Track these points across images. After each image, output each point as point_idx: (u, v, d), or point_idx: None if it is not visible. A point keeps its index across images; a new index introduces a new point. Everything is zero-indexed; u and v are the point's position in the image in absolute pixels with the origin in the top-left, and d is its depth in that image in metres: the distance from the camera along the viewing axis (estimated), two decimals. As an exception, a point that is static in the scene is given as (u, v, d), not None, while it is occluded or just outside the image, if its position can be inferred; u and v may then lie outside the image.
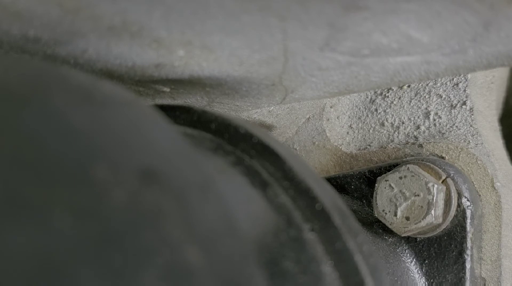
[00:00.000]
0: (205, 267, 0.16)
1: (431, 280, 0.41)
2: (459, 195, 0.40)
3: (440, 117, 0.45)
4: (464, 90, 0.45)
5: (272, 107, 0.47)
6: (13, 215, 0.13)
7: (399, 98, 0.48)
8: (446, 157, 0.43)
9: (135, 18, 0.26)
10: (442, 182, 0.40)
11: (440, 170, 0.40)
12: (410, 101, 0.47)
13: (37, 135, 0.16)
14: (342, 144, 0.50)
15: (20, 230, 0.13)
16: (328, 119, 0.51)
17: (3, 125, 0.15)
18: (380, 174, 0.43)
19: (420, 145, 0.45)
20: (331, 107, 0.51)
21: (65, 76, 0.19)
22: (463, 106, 0.45)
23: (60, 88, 0.18)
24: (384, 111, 0.48)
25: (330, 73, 0.33)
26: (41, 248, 0.13)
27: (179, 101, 0.40)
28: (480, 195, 0.42)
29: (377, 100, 0.49)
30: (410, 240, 0.42)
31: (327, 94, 0.39)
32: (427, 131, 0.45)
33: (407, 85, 0.47)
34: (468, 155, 0.42)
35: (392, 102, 0.48)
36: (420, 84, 0.47)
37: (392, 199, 0.40)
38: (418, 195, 0.39)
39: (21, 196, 0.14)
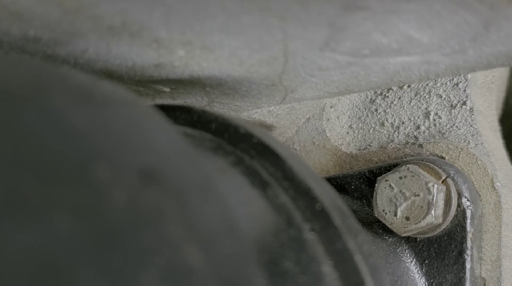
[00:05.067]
0: (205, 267, 0.16)
1: (431, 280, 0.41)
2: (459, 195, 0.40)
3: (440, 117, 0.45)
4: (464, 90, 0.45)
5: (272, 107, 0.47)
6: (13, 215, 0.13)
7: (399, 98, 0.48)
8: (446, 157, 0.43)
9: (135, 18, 0.26)
10: (442, 182, 0.40)
11: (440, 170, 0.40)
12: (410, 101, 0.47)
13: (37, 135, 0.16)
14: (342, 144, 0.50)
15: (20, 230, 0.13)
16: (328, 119, 0.51)
17: (3, 125, 0.15)
18: (380, 174, 0.43)
19: (420, 145, 0.45)
20: (331, 107, 0.51)
21: (65, 76, 0.19)
22: (463, 106, 0.45)
23: (60, 88, 0.18)
24: (384, 111, 0.48)
25: (330, 73, 0.33)
26: (41, 248, 0.13)
27: (179, 101, 0.40)
28: (480, 195, 0.42)
29: (377, 100, 0.49)
30: (410, 240, 0.42)
31: (327, 94, 0.39)
32: (427, 131, 0.45)
33: (407, 85, 0.47)
34: (468, 155, 0.42)
35: (392, 102, 0.48)
36: (420, 84, 0.47)
37: (392, 199, 0.40)
38: (418, 195, 0.39)
39: (21, 196, 0.14)
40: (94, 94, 0.19)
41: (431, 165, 0.41)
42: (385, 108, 0.48)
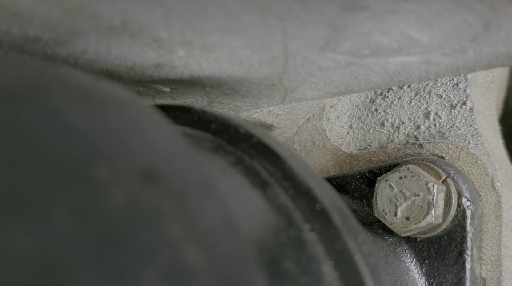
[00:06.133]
0: (205, 267, 0.16)
1: (431, 280, 0.41)
2: (459, 195, 0.40)
3: (440, 117, 0.45)
4: (464, 90, 0.45)
5: (272, 107, 0.47)
6: (13, 215, 0.13)
7: (399, 98, 0.48)
8: (446, 157, 0.43)
9: (135, 18, 0.26)
10: (442, 182, 0.40)
11: (440, 170, 0.40)
12: (410, 101, 0.47)
13: (37, 135, 0.16)
14: (342, 144, 0.50)
15: (20, 230, 0.13)
16: (328, 119, 0.51)
17: (3, 125, 0.15)
18: (380, 174, 0.43)
19: (420, 145, 0.45)
20: (331, 107, 0.51)
21: (65, 76, 0.19)
22: (463, 106, 0.45)
23: (60, 88, 0.18)
24: (384, 111, 0.48)
25: (330, 73, 0.33)
26: (41, 248, 0.13)
27: (179, 101, 0.40)
28: (480, 195, 0.42)
29: (377, 100, 0.49)
30: (410, 240, 0.42)
31: (327, 94, 0.39)
32: (427, 131, 0.45)
33: (407, 85, 0.47)
34: (468, 155, 0.42)
35: (392, 102, 0.48)
36: (420, 84, 0.47)
37: (392, 199, 0.40)
38: (418, 195, 0.39)
39: (21, 196, 0.14)
40: (94, 94, 0.19)
41: (431, 165, 0.41)
42: (385, 108, 0.48)
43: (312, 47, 0.29)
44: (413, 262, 0.42)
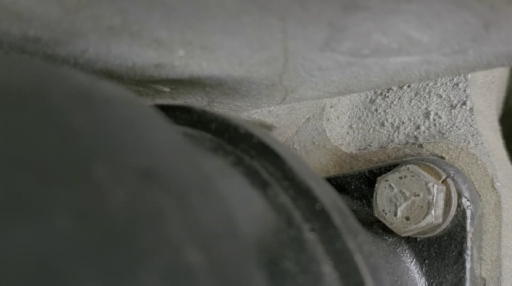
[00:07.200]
0: (205, 267, 0.16)
1: (431, 280, 0.41)
2: (459, 195, 0.40)
3: (440, 117, 0.45)
4: (464, 90, 0.45)
5: (272, 107, 0.47)
6: (13, 215, 0.13)
7: (399, 98, 0.48)
8: (446, 157, 0.43)
9: (135, 18, 0.26)
10: (442, 182, 0.40)
11: (440, 170, 0.40)
12: (410, 101, 0.47)
13: (37, 135, 0.16)
14: (342, 144, 0.50)
15: (20, 231, 0.13)
16: (328, 119, 0.51)
17: (3, 125, 0.15)
18: (380, 174, 0.43)
19: (420, 145, 0.45)
20: (331, 107, 0.51)
21: (65, 76, 0.19)
22: (463, 106, 0.45)
23: (60, 88, 0.18)
24: (384, 111, 0.48)
25: (330, 73, 0.33)
26: (41, 248, 0.13)
27: (179, 101, 0.40)
28: (480, 195, 0.42)
29: (377, 100, 0.49)
30: (410, 240, 0.42)
31: (327, 94, 0.39)
32: (427, 131, 0.45)
33: (407, 85, 0.47)
34: (468, 155, 0.42)
35: (392, 102, 0.48)
36: (420, 84, 0.47)
37: (392, 199, 0.40)
38: (418, 195, 0.39)
39: (21, 196, 0.14)
40: (94, 94, 0.19)
41: (431, 165, 0.41)
42: (385, 108, 0.48)
43: (312, 47, 0.29)
44: (413, 262, 0.42)
